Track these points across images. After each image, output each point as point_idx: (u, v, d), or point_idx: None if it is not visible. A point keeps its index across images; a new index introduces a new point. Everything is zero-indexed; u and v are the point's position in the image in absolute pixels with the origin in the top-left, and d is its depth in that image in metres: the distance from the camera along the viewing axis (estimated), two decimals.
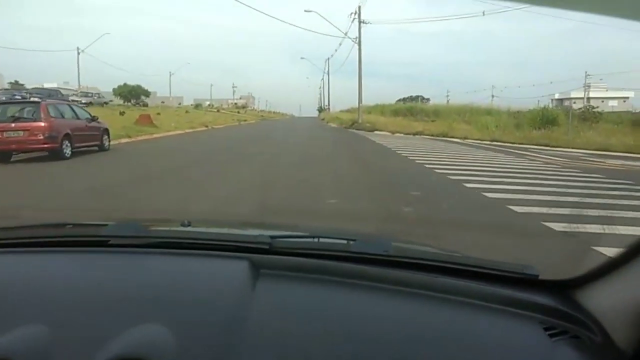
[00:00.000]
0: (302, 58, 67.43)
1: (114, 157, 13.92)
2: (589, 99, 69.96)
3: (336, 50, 63.69)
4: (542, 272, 1.03)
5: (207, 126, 30.99)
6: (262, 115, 74.59)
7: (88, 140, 14.22)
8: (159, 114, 33.10)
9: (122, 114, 19.82)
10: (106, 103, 39.02)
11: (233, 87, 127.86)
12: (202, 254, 1.08)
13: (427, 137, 27.73)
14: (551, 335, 0.85)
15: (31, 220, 1.58)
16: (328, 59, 66.88)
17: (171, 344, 0.73)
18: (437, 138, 26.86)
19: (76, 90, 42.87)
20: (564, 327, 0.88)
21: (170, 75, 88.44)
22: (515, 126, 29.29)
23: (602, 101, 65.94)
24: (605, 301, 0.88)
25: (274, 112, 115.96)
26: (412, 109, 55.73)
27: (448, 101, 68.62)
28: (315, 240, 1.31)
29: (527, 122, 28.95)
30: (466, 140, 25.34)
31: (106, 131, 15.34)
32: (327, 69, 67.93)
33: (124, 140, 18.19)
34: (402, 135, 29.03)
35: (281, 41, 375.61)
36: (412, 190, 8.23)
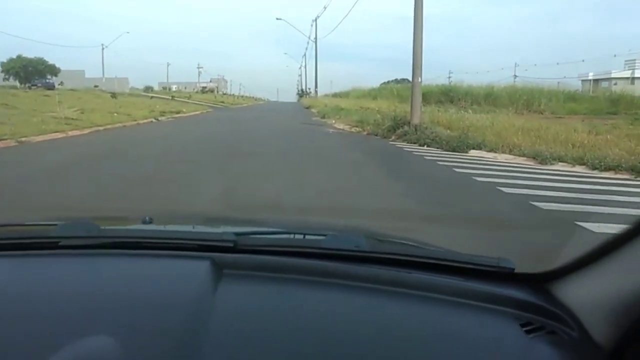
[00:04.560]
0: (277, 19, 46.89)
1: None
2: (633, 79, 55.17)
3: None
4: (519, 265, 0.98)
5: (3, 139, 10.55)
6: (222, 102, 51.01)
7: None
8: None
9: None
10: None
11: (198, 68, 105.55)
12: (161, 254, 1.00)
13: None
14: (528, 332, 0.81)
15: None
16: (316, 19, 46.48)
17: (120, 357, 0.67)
18: None
19: None
20: (540, 323, 0.84)
21: (102, 48, 66.31)
22: None
23: None
24: (582, 295, 0.85)
25: (242, 97, 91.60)
26: (449, 93, 35.95)
27: (450, 82, 51.60)
28: (283, 236, 1.26)
29: None
30: None
31: None
32: (313, 35, 47.53)
33: None
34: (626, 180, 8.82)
35: (257, 20, 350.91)
36: None
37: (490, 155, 11.36)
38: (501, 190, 6.73)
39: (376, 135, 15.58)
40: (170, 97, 38.74)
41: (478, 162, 10.20)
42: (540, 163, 10.16)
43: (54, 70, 49.72)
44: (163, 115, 25.01)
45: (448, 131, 13.21)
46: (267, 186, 6.79)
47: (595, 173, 9.14)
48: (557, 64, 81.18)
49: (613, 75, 59.19)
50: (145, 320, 0.77)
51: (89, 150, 11.00)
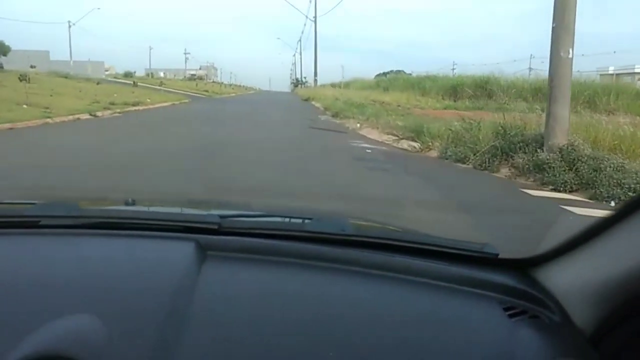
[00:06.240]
0: None
1: None
2: None
3: None
4: (502, 250, 0.98)
5: None
6: (205, 90, 44.05)
7: None
8: None
9: None
10: None
11: (185, 54, 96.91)
12: (144, 235, 0.99)
13: None
14: (511, 316, 0.83)
15: None
16: None
17: (100, 337, 0.65)
18: None
19: None
20: (523, 307, 0.85)
21: (69, 26, 57.92)
22: None
23: None
24: (564, 280, 0.85)
25: (231, 86, 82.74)
26: (486, 85, 28.51)
27: (454, 74, 44.77)
28: (268, 219, 1.25)
29: None
30: None
31: None
32: (313, 14, 40.14)
33: None
34: None
35: (248, 4, 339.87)
36: None
37: None
38: None
39: (459, 161, 8.32)
40: (132, 83, 30.74)
41: None
42: None
43: (2, 49, 41.49)
44: (109, 109, 17.56)
45: None
46: None
47: None
48: (582, 55, 73.80)
49: (637, 70, 53.38)
50: (127, 301, 0.75)
51: None
